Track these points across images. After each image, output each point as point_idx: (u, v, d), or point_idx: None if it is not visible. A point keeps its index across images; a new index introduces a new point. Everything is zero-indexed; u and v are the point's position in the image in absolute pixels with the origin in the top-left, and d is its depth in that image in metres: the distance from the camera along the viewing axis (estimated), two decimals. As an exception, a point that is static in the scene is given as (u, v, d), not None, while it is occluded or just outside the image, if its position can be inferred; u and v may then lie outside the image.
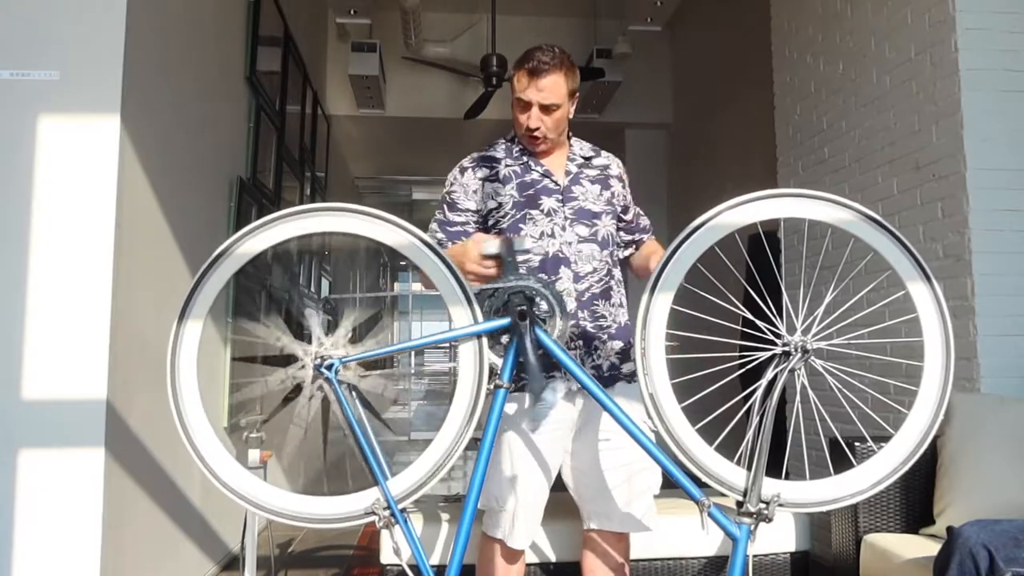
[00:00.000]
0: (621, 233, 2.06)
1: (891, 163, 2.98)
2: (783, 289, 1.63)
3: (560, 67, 1.85)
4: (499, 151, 1.98)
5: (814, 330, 1.47)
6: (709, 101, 5.82)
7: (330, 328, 1.49)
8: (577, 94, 1.94)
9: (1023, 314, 2.53)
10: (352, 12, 5.65)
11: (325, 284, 6.24)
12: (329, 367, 1.44)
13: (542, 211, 1.89)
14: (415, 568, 1.40)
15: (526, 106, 1.86)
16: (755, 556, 2.10)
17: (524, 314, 1.49)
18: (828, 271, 2.95)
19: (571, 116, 1.94)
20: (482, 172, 1.94)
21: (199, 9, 3.12)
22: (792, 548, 2.31)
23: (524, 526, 1.82)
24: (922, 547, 2.02)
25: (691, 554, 2.25)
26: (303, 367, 1.46)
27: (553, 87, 1.84)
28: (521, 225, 1.87)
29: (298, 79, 4.93)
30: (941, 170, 2.69)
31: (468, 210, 1.92)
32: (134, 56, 2.35)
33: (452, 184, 1.96)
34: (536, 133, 1.88)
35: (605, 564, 1.89)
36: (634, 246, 2.12)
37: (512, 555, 1.86)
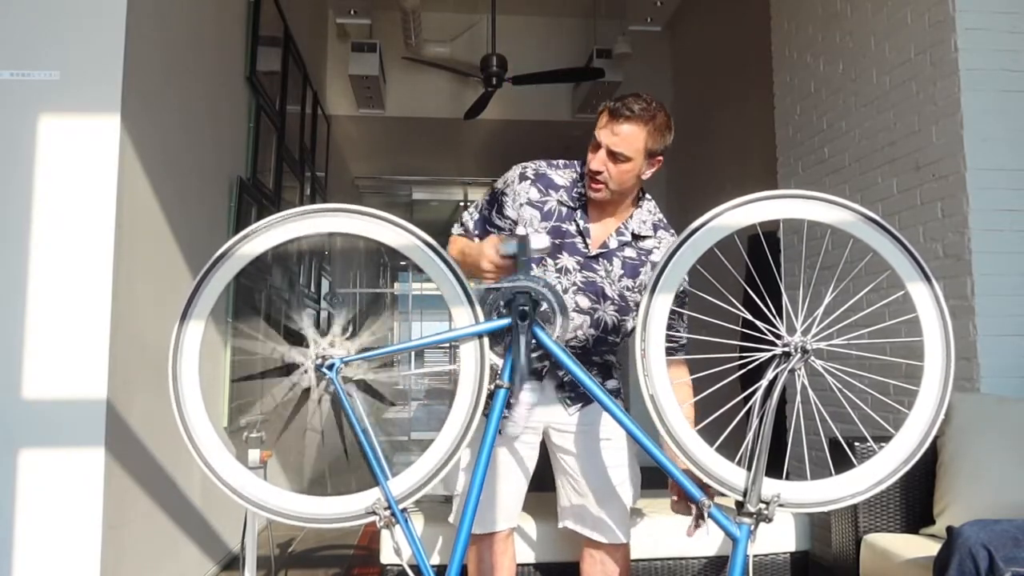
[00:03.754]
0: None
1: (891, 163, 2.98)
2: (783, 290, 1.63)
3: (646, 121, 1.73)
4: (563, 177, 1.88)
5: (814, 330, 1.47)
6: (709, 101, 5.81)
7: (330, 325, 1.49)
8: (660, 158, 1.79)
9: (1023, 314, 2.53)
10: (352, 12, 5.65)
11: (325, 284, 6.24)
12: (330, 367, 1.44)
13: (556, 265, 1.83)
14: (415, 568, 1.40)
15: (596, 146, 1.77)
16: (755, 556, 2.09)
17: (525, 314, 1.48)
18: (828, 271, 2.95)
19: (645, 177, 1.82)
20: (535, 193, 1.86)
21: (199, 9, 3.12)
22: (792, 548, 2.31)
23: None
24: (922, 547, 2.02)
25: (691, 554, 2.25)
26: (306, 372, 1.46)
27: (628, 137, 1.73)
28: (533, 264, 1.81)
29: (298, 79, 4.93)
30: (941, 170, 2.69)
31: (509, 218, 1.87)
32: (134, 56, 2.35)
33: (508, 188, 1.89)
34: (599, 177, 1.77)
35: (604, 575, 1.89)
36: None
37: (482, 546, 1.86)
